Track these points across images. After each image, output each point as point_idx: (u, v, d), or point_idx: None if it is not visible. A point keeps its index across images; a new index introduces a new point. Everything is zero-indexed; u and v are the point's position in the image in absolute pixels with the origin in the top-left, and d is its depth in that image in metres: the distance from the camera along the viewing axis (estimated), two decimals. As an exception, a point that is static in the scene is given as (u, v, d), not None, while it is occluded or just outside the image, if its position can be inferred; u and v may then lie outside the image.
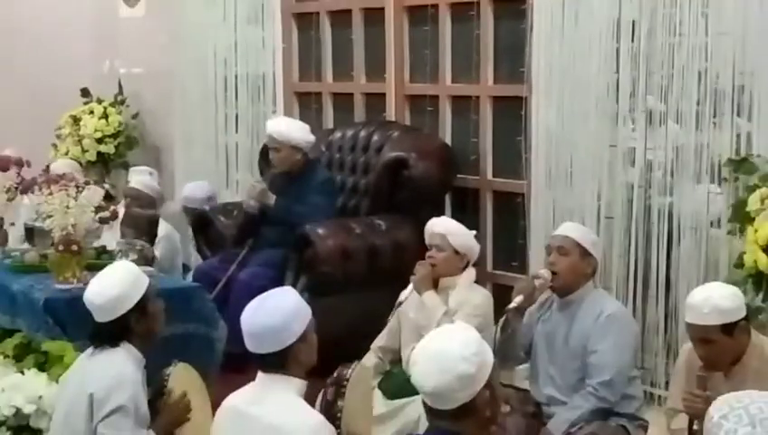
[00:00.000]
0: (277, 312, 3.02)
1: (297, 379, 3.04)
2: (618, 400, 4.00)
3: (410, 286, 4.48)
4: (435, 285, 4.50)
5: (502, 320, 4.12)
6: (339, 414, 3.55)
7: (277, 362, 3.01)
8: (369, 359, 4.59)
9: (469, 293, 4.51)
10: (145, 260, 5.48)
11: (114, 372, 3.42)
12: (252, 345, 3.02)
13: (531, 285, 4.14)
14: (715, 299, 3.43)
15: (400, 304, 4.51)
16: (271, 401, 2.99)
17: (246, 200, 5.76)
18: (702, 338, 3.47)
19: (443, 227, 4.60)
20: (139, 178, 6.59)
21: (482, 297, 4.53)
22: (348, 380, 3.67)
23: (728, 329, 3.43)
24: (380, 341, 4.63)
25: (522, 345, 4.26)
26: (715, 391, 3.41)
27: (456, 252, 4.53)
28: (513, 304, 4.11)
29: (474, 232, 4.69)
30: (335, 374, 3.77)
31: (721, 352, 3.47)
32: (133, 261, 5.30)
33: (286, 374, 3.02)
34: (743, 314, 3.48)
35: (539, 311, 4.24)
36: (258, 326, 3.00)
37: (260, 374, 3.05)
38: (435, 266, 4.50)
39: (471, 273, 4.61)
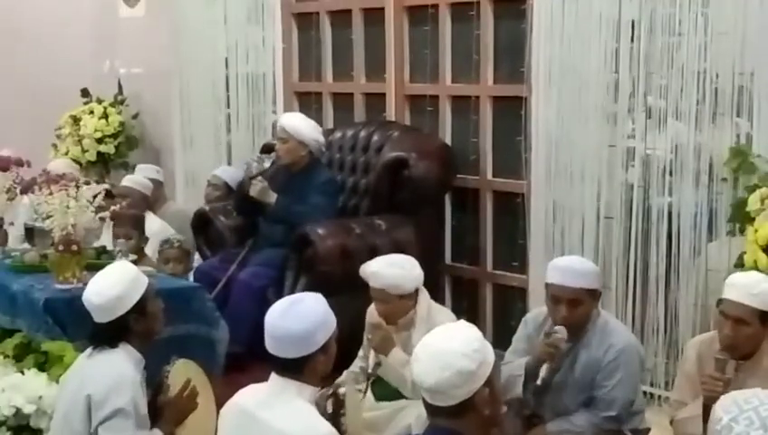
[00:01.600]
0: (305, 320, 2.97)
1: (310, 386, 3.03)
2: (622, 426, 3.97)
3: (372, 354, 4.32)
4: (393, 322, 4.32)
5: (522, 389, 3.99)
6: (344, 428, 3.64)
7: (294, 369, 2.98)
8: (355, 365, 4.55)
9: (432, 324, 4.11)
10: (185, 255, 5.53)
11: (113, 373, 3.41)
12: (273, 348, 2.99)
13: (551, 350, 3.91)
14: (765, 284, 3.48)
15: (370, 376, 4.32)
16: (281, 406, 2.97)
17: (246, 174, 5.72)
18: (739, 318, 3.47)
19: (381, 281, 4.27)
20: (131, 176, 6.63)
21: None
22: (344, 400, 3.74)
23: (765, 317, 3.47)
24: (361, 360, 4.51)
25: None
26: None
27: (402, 296, 4.29)
28: (543, 373, 3.92)
29: (411, 259, 4.35)
30: (330, 401, 3.81)
31: (747, 338, 3.49)
32: (171, 258, 5.38)
33: (300, 381, 3.00)
34: None
35: (537, 332, 4.09)
36: (283, 331, 2.96)
37: (274, 376, 3.03)
38: (387, 318, 4.30)
39: (425, 300, 4.35)
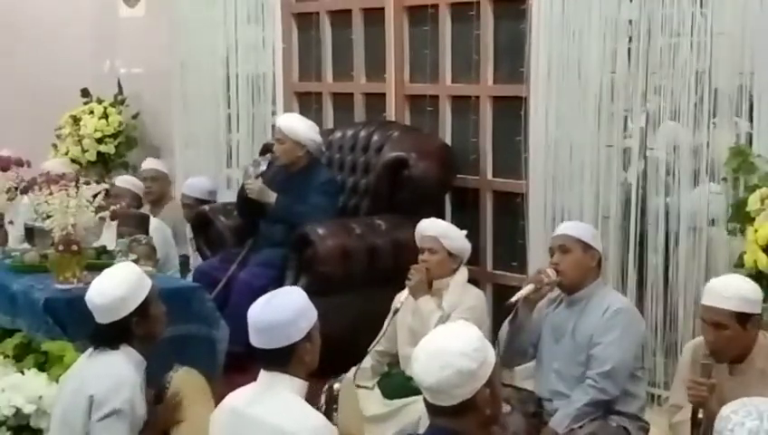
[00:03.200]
0: (285, 308, 3.02)
1: (299, 379, 3.04)
2: (618, 394, 4.00)
3: (405, 291, 4.50)
4: (429, 285, 4.52)
5: (512, 313, 4.19)
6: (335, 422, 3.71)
7: (281, 360, 3.00)
8: (367, 361, 4.60)
9: (462, 293, 4.52)
10: (152, 251, 5.51)
11: (113, 374, 3.41)
12: (257, 341, 3.02)
13: (540, 278, 4.18)
14: (737, 286, 3.51)
15: (397, 310, 4.53)
16: (272, 400, 2.98)
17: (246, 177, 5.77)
18: (716, 322, 3.49)
19: (435, 229, 4.60)
20: (124, 176, 6.70)
21: (475, 299, 4.55)
22: (338, 395, 3.90)
23: (743, 319, 3.48)
24: (378, 345, 4.63)
25: (530, 341, 4.27)
26: (720, 387, 3.43)
27: (450, 254, 4.55)
28: (523, 292, 4.15)
29: (465, 231, 4.68)
30: (325, 390, 3.87)
31: (730, 340, 3.50)
32: (135, 258, 5.37)
33: (288, 374, 3.01)
34: (758, 309, 3.53)
35: (548, 307, 4.26)
36: (265, 321, 3.00)
37: (262, 373, 3.05)
38: (429, 270, 4.52)
39: (464, 273, 4.62)
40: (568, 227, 4.30)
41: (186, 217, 6.52)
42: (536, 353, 4.30)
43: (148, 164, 6.98)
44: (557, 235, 4.27)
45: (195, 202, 6.55)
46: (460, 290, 4.54)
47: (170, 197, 6.95)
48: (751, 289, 3.53)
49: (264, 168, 5.67)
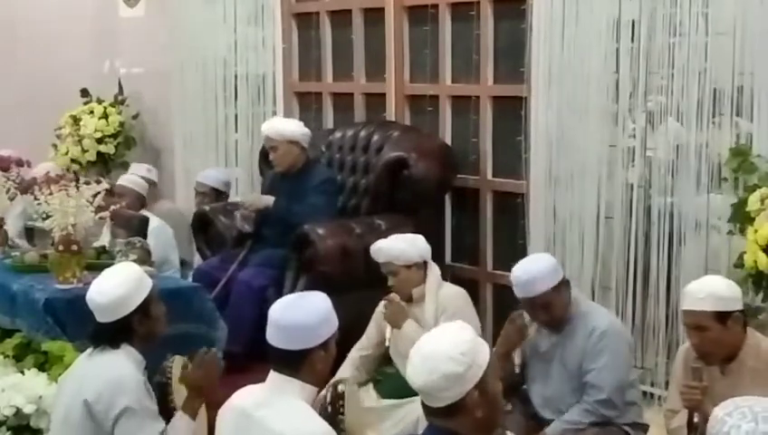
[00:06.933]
0: (310, 311, 3.00)
1: (308, 386, 3.01)
2: (618, 413, 3.98)
3: (388, 328, 4.46)
4: (408, 299, 4.49)
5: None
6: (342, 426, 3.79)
7: (294, 364, 2.97)
8: (355, 364, 4.58)
9: (441, 301, 4.46)
10: (146, 254, 5.50)
11: (112, 376, 3.40)
12: (274, 338, 2.99)
13: (517, 333, 4.10)
14: (710, 286, 3.50)
15: (387, 348, 4.49)
16: (279, 405, 2.95)
17: (240, 218, 5.82)
18: (696, 325, 3.49)
19: (385, 255, 4.53)
20: (127, 175, 6.63)
21: (454, 301, 4.49)
22: (343, 395, 3.89)
23: (722, 317, 3.46)
24: (362, 351, 4.62)
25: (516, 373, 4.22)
26: (712, 388, 3.43)
27: (409, 266, 4.50)
28: (517, 366, 4.13)
29: (417, 236, 4.58)
30: (328, 394, 3.90)
31: (714, 341, 3.49)
32: (134, 258, 5.34)
33: (299, 379, 2.99)
34: (738, 306, 3.51)
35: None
36: (289, 320, 2.98)
37: (272, 374, 3.02)
38: (400, 293, 4.49)
39: (434, 274, 4.55)
40: (535, 285, 3.99)
41: (198, 207, 6.47)
42: (523, 375, 4.22)
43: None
44: (525, 298, 4.04)
45: (211, 191, 6.55)
46: (435, 298, 4.47)
47: (153, 204, 6.81)
48: (724, 286, 3.51)
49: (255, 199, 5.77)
